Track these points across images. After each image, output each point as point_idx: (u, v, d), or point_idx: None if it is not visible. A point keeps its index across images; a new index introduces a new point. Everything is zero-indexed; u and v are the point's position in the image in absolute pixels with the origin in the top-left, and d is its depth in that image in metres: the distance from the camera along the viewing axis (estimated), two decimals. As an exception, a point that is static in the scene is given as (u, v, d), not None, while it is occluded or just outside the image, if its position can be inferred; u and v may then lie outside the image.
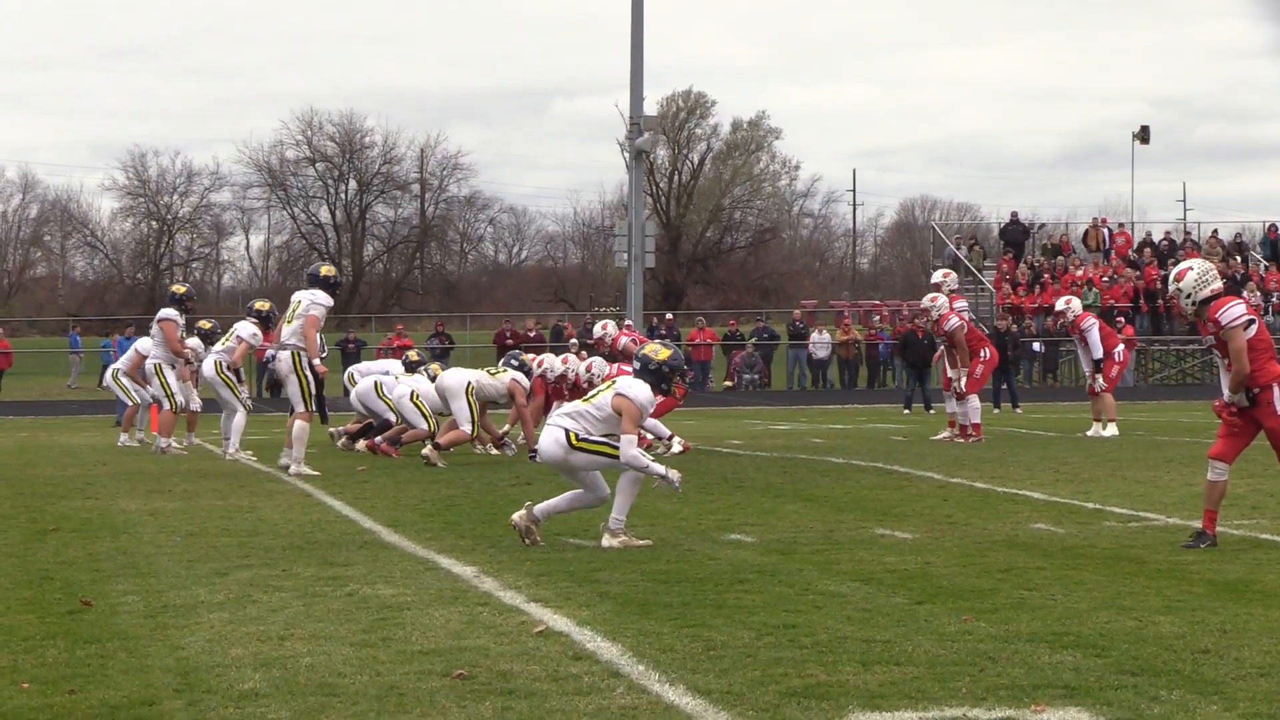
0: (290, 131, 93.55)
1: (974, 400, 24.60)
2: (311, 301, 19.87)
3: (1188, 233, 58.57)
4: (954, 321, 24.32)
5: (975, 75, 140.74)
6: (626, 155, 48.97)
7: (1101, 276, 52.93)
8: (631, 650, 8.31)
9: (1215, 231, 57.13)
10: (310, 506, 15.70)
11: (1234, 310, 12.24)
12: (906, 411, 34.98)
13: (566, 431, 12.46)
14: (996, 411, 34.48)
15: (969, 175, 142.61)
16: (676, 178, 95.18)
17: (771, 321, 58.37)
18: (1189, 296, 12.38)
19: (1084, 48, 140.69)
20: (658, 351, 12.86)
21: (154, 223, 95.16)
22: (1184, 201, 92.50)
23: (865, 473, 18.92)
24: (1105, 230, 56.39)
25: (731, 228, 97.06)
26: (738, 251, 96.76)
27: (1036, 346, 50.09)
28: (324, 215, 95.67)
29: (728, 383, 51.34)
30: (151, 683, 7.73)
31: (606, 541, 12.34)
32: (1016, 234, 56.70)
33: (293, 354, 19.79)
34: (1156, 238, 56.74)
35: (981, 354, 24.85)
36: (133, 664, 8.15)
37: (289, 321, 20.07)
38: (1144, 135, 63.77)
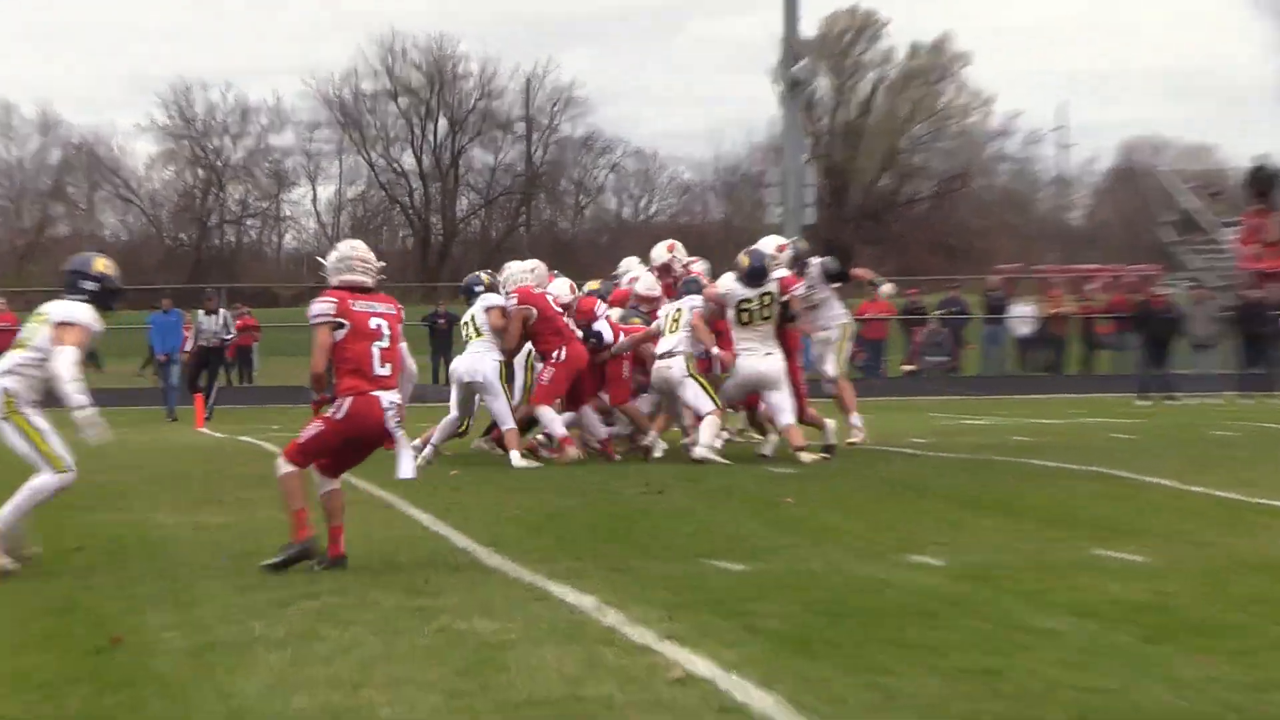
0: (367, 60, 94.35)
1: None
2: None
3: None
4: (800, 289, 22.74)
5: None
6: (779, 87, 48.85)
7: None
8: (791, 700, 8.28)
9: None
10: (392, 520, 15.76)
11: None
12: (1141, 403, 34.82)
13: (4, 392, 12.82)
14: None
15: (1205, 110, 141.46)
16: (841, 114, 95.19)
17: (962, 290, 58.13)
18: None
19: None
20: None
21: (200, 171, 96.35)
22: None
23: (1080, 479, 18.82)
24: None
25: (910, 175, 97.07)
26: (918, 204, 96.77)
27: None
28: (408, 161, 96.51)
29: (907, 366, 51.23)
30: (196, 738, 7.76)
31: None
32: (1265, 182, 56.00)
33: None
34: None
35: None
36: (173, 714, 8.19)
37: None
38: None
